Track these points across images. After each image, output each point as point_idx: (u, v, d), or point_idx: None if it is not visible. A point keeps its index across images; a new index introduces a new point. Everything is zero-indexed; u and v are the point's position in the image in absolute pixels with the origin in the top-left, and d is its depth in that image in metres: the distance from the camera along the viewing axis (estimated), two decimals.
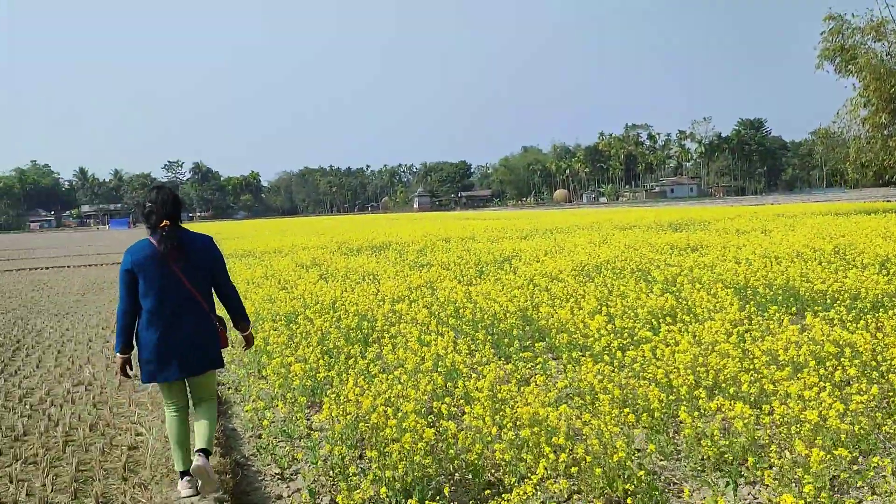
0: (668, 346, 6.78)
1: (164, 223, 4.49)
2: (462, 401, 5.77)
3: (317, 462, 4.88)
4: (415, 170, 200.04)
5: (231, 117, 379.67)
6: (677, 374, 5.75)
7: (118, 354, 4.67)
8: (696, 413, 5.00)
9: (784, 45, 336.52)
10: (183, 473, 4.63)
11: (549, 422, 4.79)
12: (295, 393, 6.19)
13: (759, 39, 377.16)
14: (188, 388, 4.76)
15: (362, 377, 6.30)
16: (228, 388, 7.63)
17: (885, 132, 30.97)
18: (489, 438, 4.72)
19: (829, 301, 8.89)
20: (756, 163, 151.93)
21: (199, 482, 4.50)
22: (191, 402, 4.79)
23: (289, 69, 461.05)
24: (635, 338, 7.33)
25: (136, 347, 4.64)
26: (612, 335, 7.27)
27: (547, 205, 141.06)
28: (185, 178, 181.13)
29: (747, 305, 8.51)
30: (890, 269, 11.13)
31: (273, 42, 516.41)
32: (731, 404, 4.91)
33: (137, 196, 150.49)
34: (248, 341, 5.20)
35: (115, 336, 4.65)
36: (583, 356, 6.78)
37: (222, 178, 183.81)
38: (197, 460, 4.44)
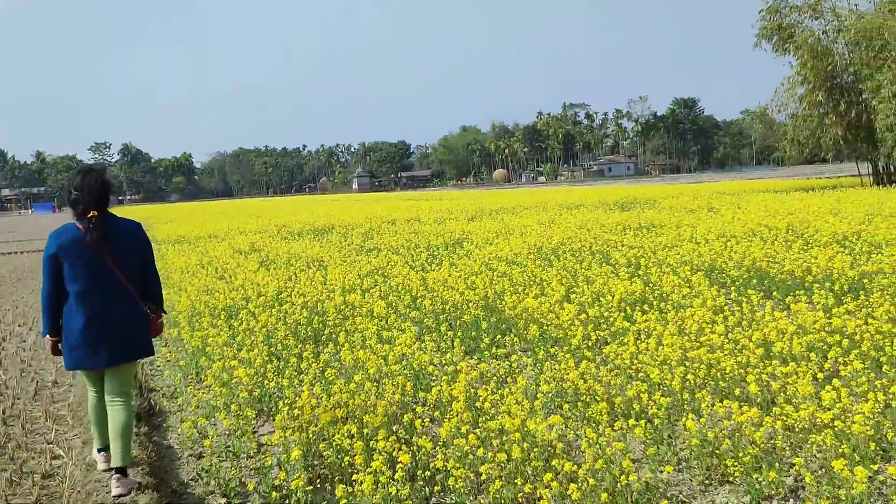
0: (648, 336, 6.27)
1: (91, 213, 4.33)
2: (436, 410, 5.11)
3: (270, 494, 4.14)
4: (353, 150, 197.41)
5: (161, 97, 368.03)
6: (669, 371, 5.21)
7: (47, 337, 4.53)
8: (702, 420, 4.45)
9: (717, 25, 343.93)
10: (101, 449, 4.70)
11: (540, 435, 4.19)
12: (240, 403, 5.43)
13: (693, 19, 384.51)
14: (106, 378, 4.55)
15: (318, 383, 5.58)
16: (163, 396, 6.79)
17: (822, 110, 31.35)
18: (473, 458, 4.08)
19: (804, 283, 8.53)
20: (690, 141, 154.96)
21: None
22: (106, 397, 4.54)
23: (221, 46, 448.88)
24: (613, 328, 6.79)
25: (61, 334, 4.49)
26: (586, 326, 6.72)
27: (487, 184, 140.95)
28: (113, 161, 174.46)
29: (721, 290, 8.07)
30: (849, 246, 10.93)
31: (203, 17, 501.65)
32: (739, 407, 4.38)
33: (62, 179, 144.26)
34: (158, 329, 4.87)
35: (42, 319, 4.51)
36: (560, 351, 6.20)
37: (153, 160, 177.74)
38: (116, 486, 4.31)
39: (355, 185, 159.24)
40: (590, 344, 6.33)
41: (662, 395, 4.78)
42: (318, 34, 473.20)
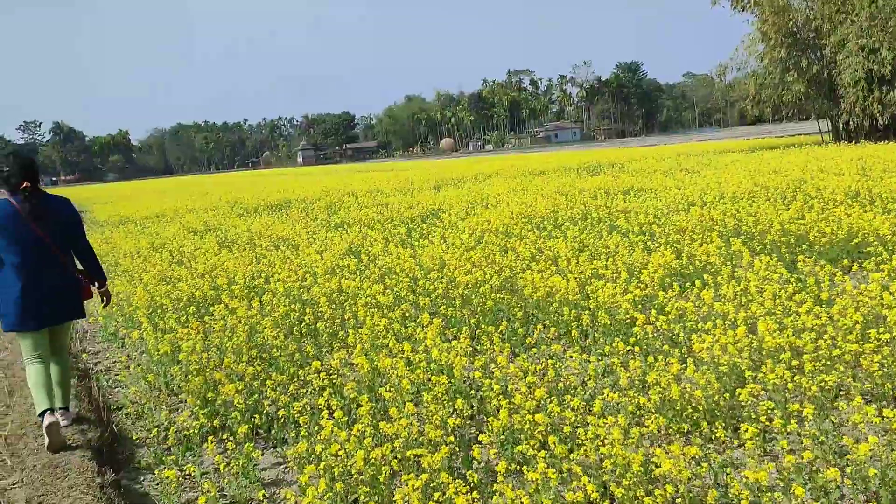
0: (724, 319, 5.21)
1: (24, 184, 4.71)
2: (504, 438, 3.91)
3: None
4: (296, 122, 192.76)
5: (93, 72, 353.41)
6: (790, 370, 4.14)
7: None
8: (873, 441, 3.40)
9: None
10: (44, 413, 4.69)
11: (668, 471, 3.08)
12: (239, 438, 4.17)
13: None
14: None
15: (334, 398, 4.36)
16: (127, 416, 5.44)
17: (783, 67, 30.81)
18: None
19: (857, 248, 7.58)
20: (634, 105, 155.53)
21: (48, 438, 4.56)
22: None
23: (158, 17, 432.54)
24: (669, 310, 5.70)
25: None
26: (640, 309, 5.63)
27: (434, 154, 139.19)
28: (44, 140, 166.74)
29: (772, 258, 7.04)
30: (864, 203, 10.13)
31: None
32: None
33: None
34: (107, 297, 5.37)
35: None
36: (626, 346, 5.06)
37: (88, 139, 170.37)
38: (51, 416, 4.61)
39: (300, 159, 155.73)
40: (653, 333, 5.23)
41: (797, 402, 3.71)
42: (258, 4, 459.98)
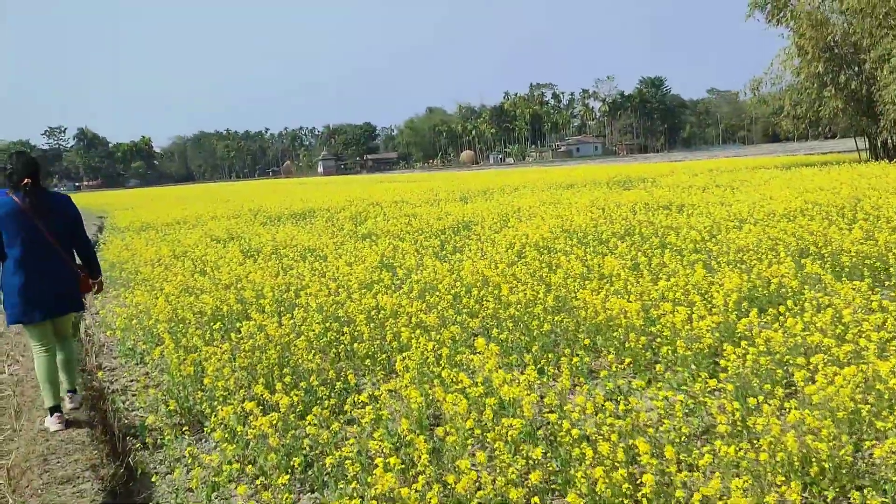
0: (826, 353, 4.54)
1: (25, 181, 4.90)
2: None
3: None
4: (317, 132, 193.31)
5: (119, 80, 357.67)
6: None
7: None
8: None
9: (684, 2, 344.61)
10: (52, 410, 4.97)
11: None
12: (275, 483, 3.56)
13: None
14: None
15: (385, 440, 3.74)
16: (143, 448, 4.83)
17: (820, 82, 29.96)
18: None
19: None
20: (657, 121, 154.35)
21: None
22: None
23: (182, 27, 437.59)
24: (758, 342, 5.02)
25: (1, 293, 4.98)
26: (713, 336, 4.98)
27: (454, 166, 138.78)
28: (69, 146, 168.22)
29: (856, 283, 6.35)
30: None
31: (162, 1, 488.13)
32: None
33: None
34: (99, 287, 5.59)
35: None
36: (716, 381, 4.39)
37: (111, 145, 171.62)
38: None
39: (320, 168, 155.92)
40: (747, 366, 4.56)
41: None
42: (273, 15, 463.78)
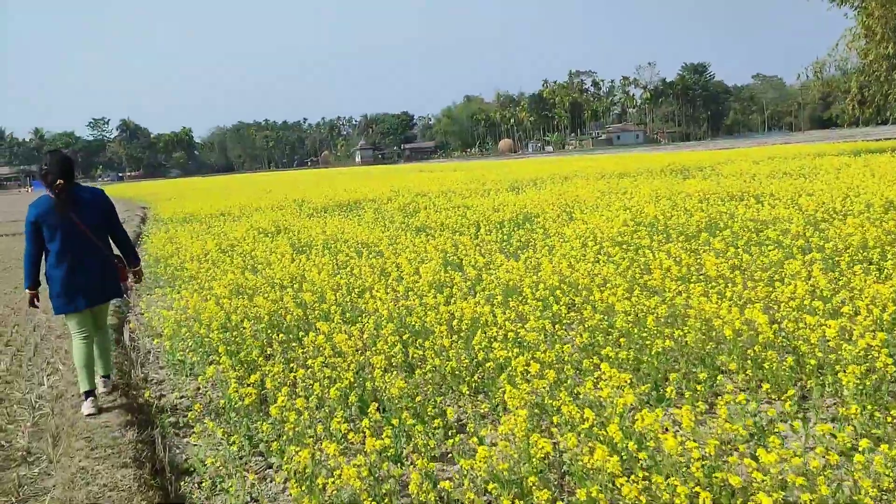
0: None
1: (58, 182, 5.15)
2: None
3: None
4: (355, 122, 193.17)
5: (160, 71, 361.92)
6: None
7: (27, 290, 5.39)
8: None
9: None
10: (87, 394, 5.29)
11: None
12: None
13: None
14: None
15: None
16: (199, 487, 4.07)
17: (889, 63, 28.32)
18: None
19: None
20: (700, 108, 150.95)
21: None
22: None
23: (220, 20, 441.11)
24: None
25: (47, 286, 5.35)
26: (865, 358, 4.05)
27: (493, 155, 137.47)
28: (112, 136, 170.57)
29: None
30: None
31: None
32: None
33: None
34: (139, 275, 5.94)
35: (24, 275, 5.38)
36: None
37: (153, 136, 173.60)
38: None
39: (358, 158, 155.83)
40: None
41: None
42: (312, 5, 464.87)
